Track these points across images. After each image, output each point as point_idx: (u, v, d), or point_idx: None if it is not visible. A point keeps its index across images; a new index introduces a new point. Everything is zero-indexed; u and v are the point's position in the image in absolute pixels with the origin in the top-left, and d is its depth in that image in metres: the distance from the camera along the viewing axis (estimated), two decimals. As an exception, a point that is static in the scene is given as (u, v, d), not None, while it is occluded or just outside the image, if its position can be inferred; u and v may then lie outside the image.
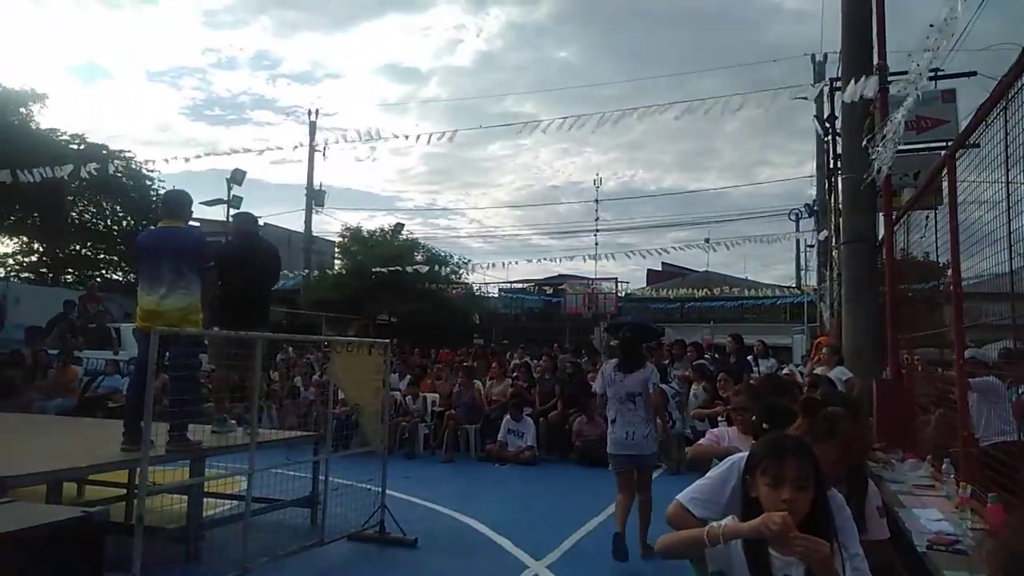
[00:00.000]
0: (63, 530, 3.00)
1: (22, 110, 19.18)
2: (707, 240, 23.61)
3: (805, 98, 14.51)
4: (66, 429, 6.89)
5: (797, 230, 23.31)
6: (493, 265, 23.64)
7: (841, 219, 9.42)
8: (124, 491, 6.00)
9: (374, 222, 40.13)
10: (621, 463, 5.54)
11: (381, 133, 11.80)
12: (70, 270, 21.34)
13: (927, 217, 5.22)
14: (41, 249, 21.11)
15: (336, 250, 29.33)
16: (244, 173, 19.56)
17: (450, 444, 10.26)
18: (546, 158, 70.71)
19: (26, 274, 20.76)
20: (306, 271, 24.93)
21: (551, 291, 29.80)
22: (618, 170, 69.46)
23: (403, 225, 28.14)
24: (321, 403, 10.09)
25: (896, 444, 5.25)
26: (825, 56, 19.34)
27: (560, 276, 29.00)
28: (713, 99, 8.91)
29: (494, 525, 6.15)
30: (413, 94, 71.59)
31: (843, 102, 8.09)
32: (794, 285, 27.12)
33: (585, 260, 22.21)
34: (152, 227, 5.32)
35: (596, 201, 29.93)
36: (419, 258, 25.00)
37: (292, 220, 28.59)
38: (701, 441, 4.37)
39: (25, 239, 20.95)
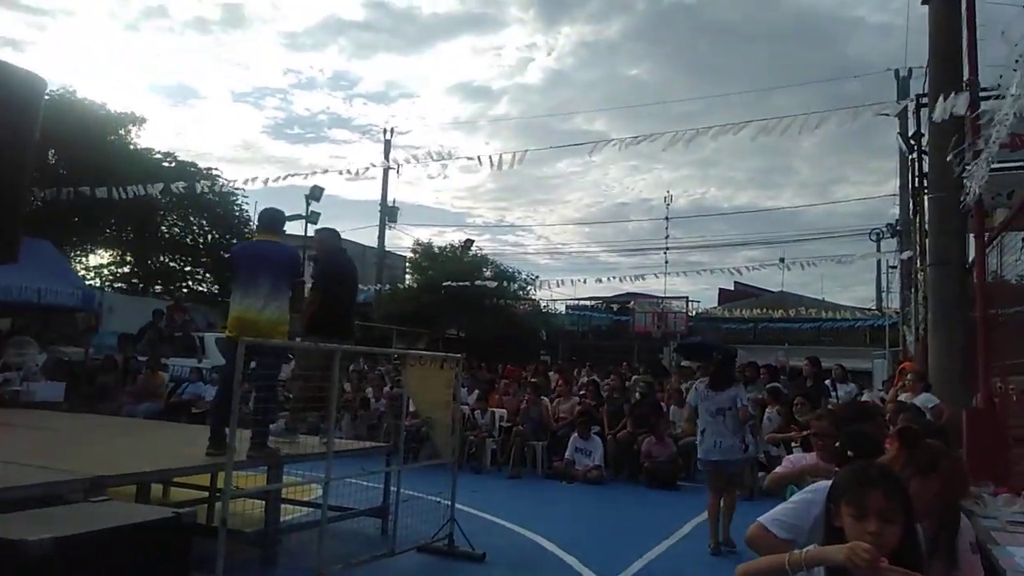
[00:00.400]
0: (155, 529, 3.17)
1: (121, 131, 20.35)
2: (782, 259, 22.94)
3: (888, 114, 14.04)
4: (154, 432, 7.24)
5: (878, 250, 22.49)
6: (561, 282, 23.56)
7: (927, 240, 9.03)
8: (206, 494, 6.25)
9: (444, 238, 40.69)
10: (711, 467, 6.33)
11: (453, 152, 11.99)
12: (159, 281, 22.42)
13: (1024, 239, 4.96)
14: (133, 261, 22.26)
15: (407, 265, 29.89)
16: (322, 190, 20.22)
17: (517, 460, 10.26)
18: (615, 175, 70.34)
19: (119, 284, 21.92)
20: (379, 285, 25.48)
21: (619, 309, 29.55)
22: (689, 187, 68.53)
23: (472, 241, 28.52)
24: (392, 415, 10.29)
25: (988, 477, 4.97)
26: (910, 71, 18.70)
27: (628, 294, 28.72)
28: (791, 117, 8.71)
29: (561, 543, 6.12)
30: (484, 112, 72.62)
31: (931, 120, 7.78)
32: (874, 307, 26.10)
33: (657, 277, 21.97)
34: (247, 240, 5.56)
35: (666, 218, 29.53)
36: (487, 274, 25.24)
37: (366, 235, 29.34)
38: (778, 469, 4.25)
39: (119, 252, 22.14)
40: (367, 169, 13.89)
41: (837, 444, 3.31)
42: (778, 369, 11.95)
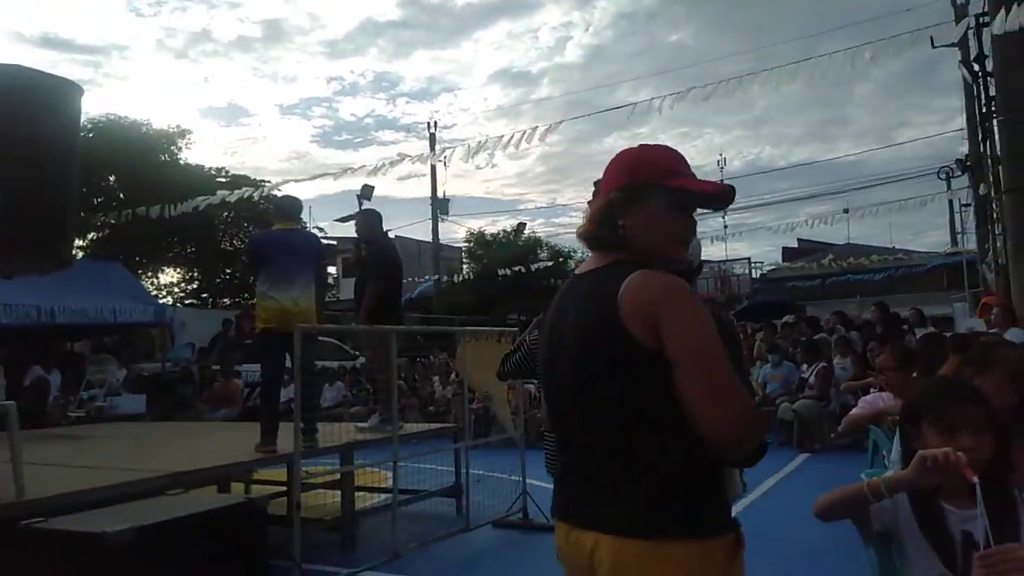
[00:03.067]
0: (230, 514, 3.25)
1: (172, 147, 21.02)
2: (846, 210, 22.13)
3: (954, 45, 13.29)
4: (230, 434, 7.45)
5: (948, 189, 21.38)
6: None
7: (1000, 168, 8.52)
8: (284, 487, 6.40)
9: (497, 226, 40.72)
10: None
11: (497, 138, 11.90)
12: (225, 293, 23.15)
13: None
14: (199, 277, 23.05)
15: (463, 255, 30.07)
16: (372, 188, 20.40)
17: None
18: (665, 144, 68.98)
19: (189, 300, 22.74)
20: (436, 277, 25.70)
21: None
22: (743, 148, 66.76)
23: (525, 225, 28.46)
24: (458, 397, 10.35)
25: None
26: (967, -6, 17.66)
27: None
28: (843, 52, 8.31)
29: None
30: (526, 96, 72.19)
31: (992, 35, 7.31)
32: (950, 250, 24.88)
33: (713, 243, 21.45)
34: (269, 231, 5.42)
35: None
36: (543, 255, 25.17)
37: (420, 230, 29.64)
38: (853, 411, 4.07)
39: (186, 268, 22.96)
40: (413, 162, 13.93)
41: (913, 374, 3.15)
42: (850, 319, 11.51)
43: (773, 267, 30.14)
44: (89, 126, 16.76)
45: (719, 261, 26.92)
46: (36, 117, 2.64)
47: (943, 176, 20.65)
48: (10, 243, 2.57)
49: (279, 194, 18.66)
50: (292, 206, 5.49)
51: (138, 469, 4.42)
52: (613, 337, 1.43)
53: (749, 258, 27.42)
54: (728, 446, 1.40)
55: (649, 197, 1.57)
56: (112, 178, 18.20)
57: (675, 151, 1.65)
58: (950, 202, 21.81)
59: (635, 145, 1.69)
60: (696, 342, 1.41)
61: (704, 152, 66.02)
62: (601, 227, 1.59)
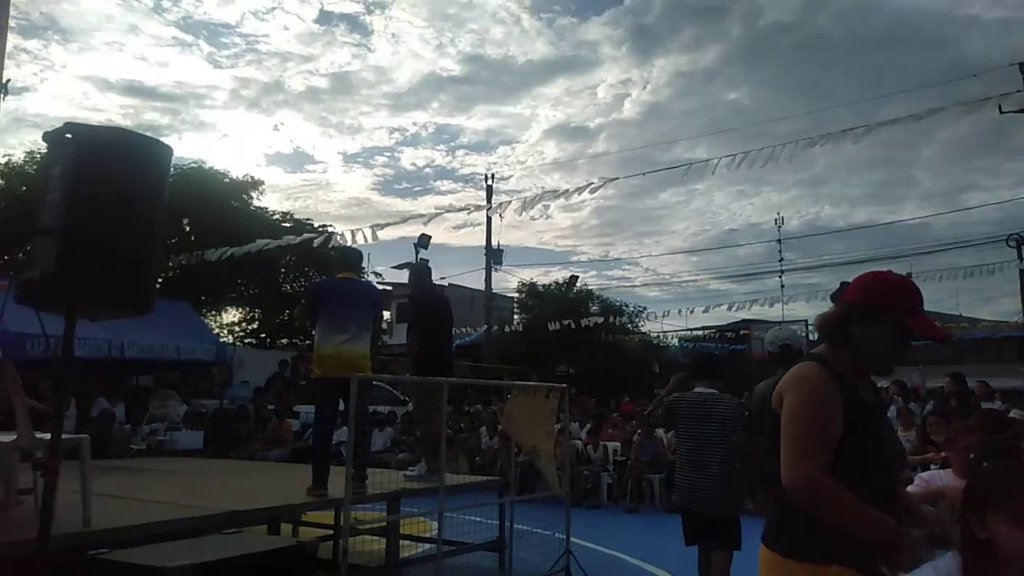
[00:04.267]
0: (281, 556, 3.36)
1: (244, 196, 21.98)
2: (909, 275, 21.53)
3: (1022, 111, 13.08)
4: (282, 474, 7.62)
5: (1019, 258, 20.70)
6: (668, 313, 23.18)
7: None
8: (332, 531, 6.50)
9: (550, 276, 40.93)
10: None
11: (553, 191, 12.16)
12: (283, 335, 23.76)
13: None
14: (259, 317, 23.76)
15: (515, 305, 30.25)
16: (429, 237, 20.96)
17: (634, 494, 10.05)
18: (721, 201, 68.44)
19: (248, 340, 23.42)
20: (487, 327, 25.90)
21: (734, 337, 28.55)
22: (801, 208, 65.67)
23: (577, 277, 28.53)
24: (505, 451, 10.35)
25: None
26: (1036, 62, 17.34)
27: (743, 321, 27.73)
28: (909, 117, 8.29)
29: (683, 577, 5.92)
30: (582, 151, 73.04)
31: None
32: (1021, 320, 23.87)
33: (772, 305, 21.12)
34: (329, 277, 5.70)
35: (779, 241, 28.47)
36: (594, 309, 25.15)
37: (473, 279, 30.03)
38: (909, 488, 3.97)
39: (247, 309, 23.72)
40: (468, 212, 14.27)
41: (972, 455, 3.08)
42: (910, 389, 11.15)
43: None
44: (172, 171, 17.73)
45: (775, 322, 26.43)
46: (130, 176, 2.88)
47: (1013, 244, 20.02)
48: (99, 292, 2.79)
49: (339, 240, 19.36)
50: (354, 257, 5.85)
51: (194, 506, 4.59)
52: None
53: (806, 320, 26.78)
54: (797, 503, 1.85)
55: (881, 321, 1.95)
56: (185, 221, 19.09)
57: (917, 290, 2.03)
58: (1021, 271, 21.04)
59: (885, 270, 2.13)
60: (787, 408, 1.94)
61: (761, 210, 65.15)
62: (834, 326, 2.04)
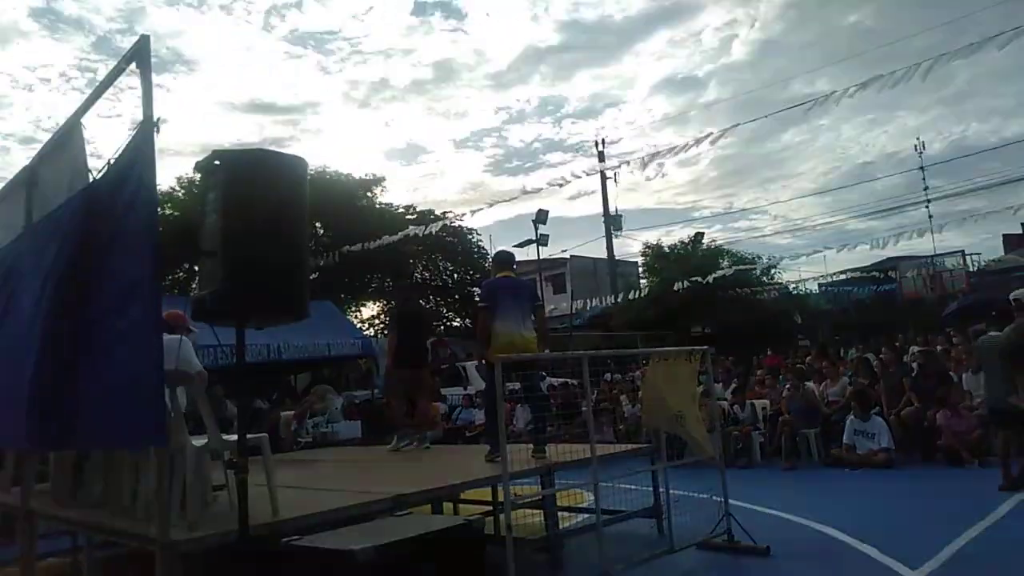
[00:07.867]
0: (453, 534, 3.53)
1: (368, 193, 22.97)
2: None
3: None
4: (438, 456, 7.98)
5: None
6: (805, 257, 22.00)
7: None
8: (490, 507, 6.74)
9: (673, 237, 39.81)
10: None
11: (665, 147, 11.84)
12: (423, 323, 24.76)
13: None
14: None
15: (641, 269, 29.82)
16: (546, 212, 21.03)
17: (789, 451, 9.71)
18: (850, 134, 63.96)
19: (387, 331, 24.59)
20: (613, 295, 25.74)
21: (882, 277, 26.75)
22: (943, 129, 60.41)
23: (703, 234, 27.74)
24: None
25: None
26: None
27: (890, 259, 25.87)
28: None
29: (853, 533, 5.67)
30: (693, 102, 70.56)
31: None
32: None
33: (920, 236, 19.58)
34: (492, 278, 6.46)
35: (921, 168, 26.35)
36: (724, 264, 24.33)
37: (595, 248, 29.84)
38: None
39: (384, 302, 24.87)
40: (578, 178, 14.15)
41: None
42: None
43: (995, 259, 26.79)
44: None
45: (926, 256, 24.48)
46: (275, 192, 3.12)
47: None
48: (262, 304, 3.07)
49: (458, 225, 19.78)
50: (508, 258, 6.71)
51: (365, 491, 4.90)
52: None
53: (963, 251, 24.66)
54: None
55: None
56: (318, 224, 20.22)
57: None
58: None
59: None
60: None
61: (897, 138, 60.14)
62: None
